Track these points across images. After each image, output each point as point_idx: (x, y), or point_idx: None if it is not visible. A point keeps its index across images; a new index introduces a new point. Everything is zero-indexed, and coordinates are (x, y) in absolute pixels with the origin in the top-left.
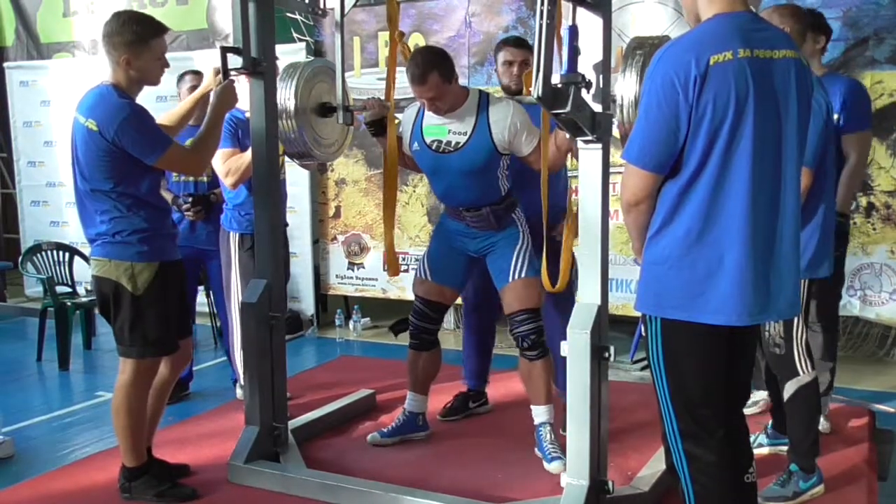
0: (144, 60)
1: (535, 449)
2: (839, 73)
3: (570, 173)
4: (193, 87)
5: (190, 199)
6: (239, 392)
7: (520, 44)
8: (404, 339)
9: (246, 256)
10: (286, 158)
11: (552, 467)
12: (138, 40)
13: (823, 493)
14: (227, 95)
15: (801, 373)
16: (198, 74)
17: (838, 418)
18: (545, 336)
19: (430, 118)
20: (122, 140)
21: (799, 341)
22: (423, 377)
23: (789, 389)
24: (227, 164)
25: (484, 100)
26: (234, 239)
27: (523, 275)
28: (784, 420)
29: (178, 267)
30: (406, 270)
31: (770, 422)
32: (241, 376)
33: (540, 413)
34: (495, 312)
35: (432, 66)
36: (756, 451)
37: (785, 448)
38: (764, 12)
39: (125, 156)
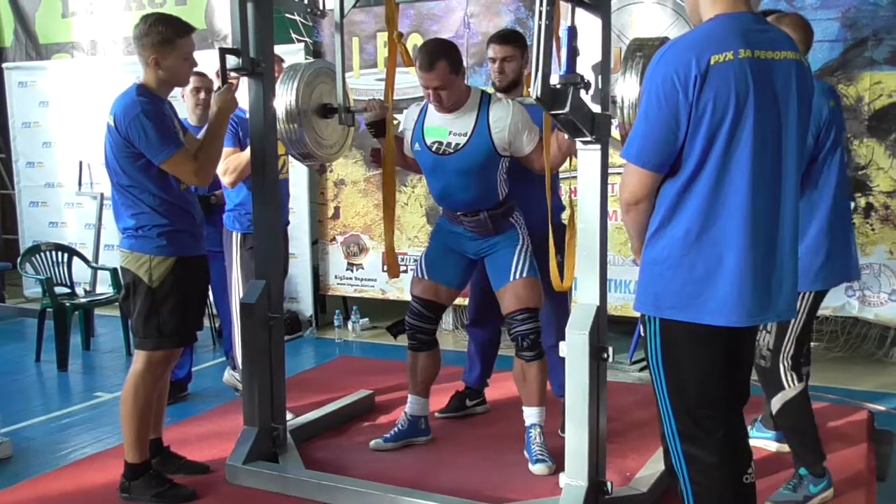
0: (172, 60)
1: (524, 450)
2: None
3: (562, 175)
4: (197, 89)
5: None
6: (227, 375)
7: (504, 39)
8: (404, 339)
9: (248, 255)
10: (289, 159)
11: (536, 469)
12: (165, 41)
13: (832, 498)
14: (227, 100)
15: (786, 386)
16: (202, 76)
17: (837, 419)
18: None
19: (432, 119)
20: (131, 136)
21: (786, 355)
22: (423, 378)
23: (776, 405)
24: (226, 163)
25: (485, 100)
26: (236, 238)
27: (524, 275)
28: (771, 414)
29: (200, 262)
30: (405, 271)
31: (760, 416)
32: (239, 366)
33: (531, 415)
34: (497, 325)
35: (442, 55)
36: (760, 445)
37: (772, 443)
38: (772, 18)
39: (140, 152)
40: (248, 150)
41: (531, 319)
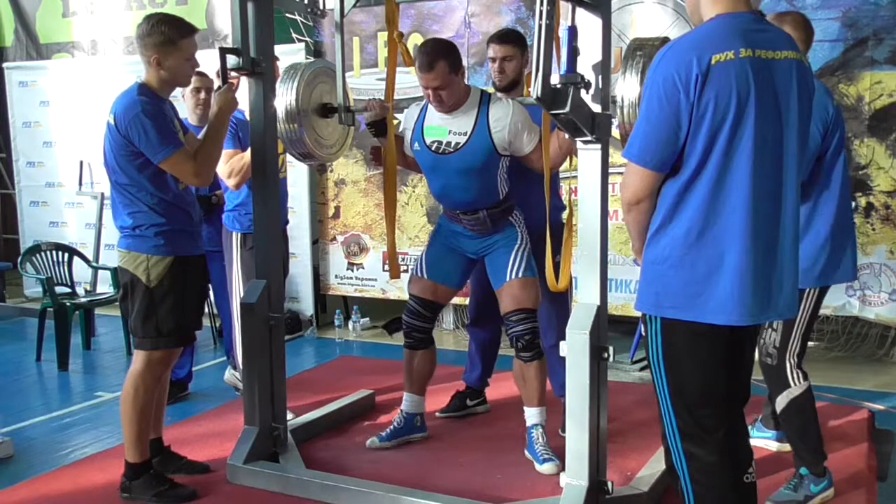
0: (174, 60)
1: (525, 451)
2: None
3: (562, 174)
4: (197, 89)
5: None
6: (228, 374)
7: (504, 39)
8: (401, 338)
9: (248, 255)
10: (287, 158)
11: (545, 469)
12: (167, 41)
13: (833, 497)
14: (228, 99)
15: (791, 384)
16: (202, 76)
17: (838, 418)
18: (540, 337)
19: (432, 118)
20: (131, 135)
21: (792, 353)
22: (419, 377)
23: (781, 403)
24: (230, 164)
25: (485, 99)
26: (236, 238)
27: (521, 274)
28: (772, 414)
29: (197, 262)
30: (405, 271)
31: (760, 416)
32: (239, 365)
33: (532, 415)
34: (498, 324)
35: (441, 55)
36: (760, 445)
37: (772, 442)
38: (772, 17)
39: (139, 151)
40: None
41: (527, 320)
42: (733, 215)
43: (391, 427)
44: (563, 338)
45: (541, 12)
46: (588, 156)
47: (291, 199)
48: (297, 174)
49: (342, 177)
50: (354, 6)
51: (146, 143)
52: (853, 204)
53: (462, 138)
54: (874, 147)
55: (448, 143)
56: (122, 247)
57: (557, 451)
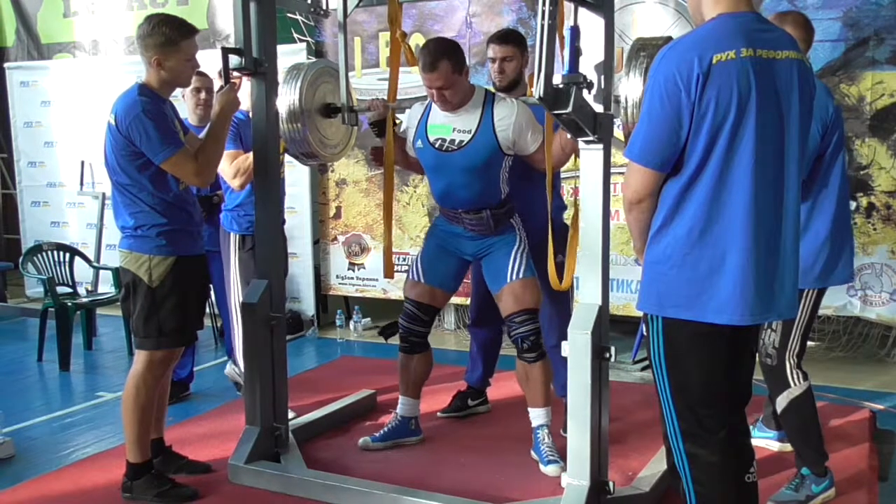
0: (175, 61)
1: (532, 451)
2: None
3: (564, 174)
4: (197, 89)
5: None
6: (229, 368)
7: (504, 39)
8: (397, 340)
9: (247, 256)
10: (286, 158)
11: (549, 470)
12: (168, 42)
13: (834, 497)
14: (230, 100)
15: (791, 384)
16: (202, 76)
17: (839, 418)
18: (543, 337)
19: (436, 116)
20: (132, 135)
21: (791, 353)
22: (415, 380)
23: (781, 403)
24: (235, 164)
25: (489, 98)
26: (234, 240)
27: (521, 276)
28: (773, 414)
29: (199, 262)
30: (401, 271)
31: (762, 415)
32: (241, 367)
33: (538, 416)
34: (499, 324)
35: (443, 55)
36: (762, 445)
37: (774, 442)
38: (773, 17)
39: (140, 152)
40: None
41: (530, 321)
42: (735, 215)
43: (385, 429)
44: (565, 338)
45: (543, 12)
46: (590, 156)
47: (293, 199)
48: (297, 174)
49: (343, 177)
50: (357, 6)
51: (147, 143)
52: (854, 204)
53: (466, 136)
54: (875, 147)
55: (452, 141)
56: (123, 247)
57: (560, 452)
